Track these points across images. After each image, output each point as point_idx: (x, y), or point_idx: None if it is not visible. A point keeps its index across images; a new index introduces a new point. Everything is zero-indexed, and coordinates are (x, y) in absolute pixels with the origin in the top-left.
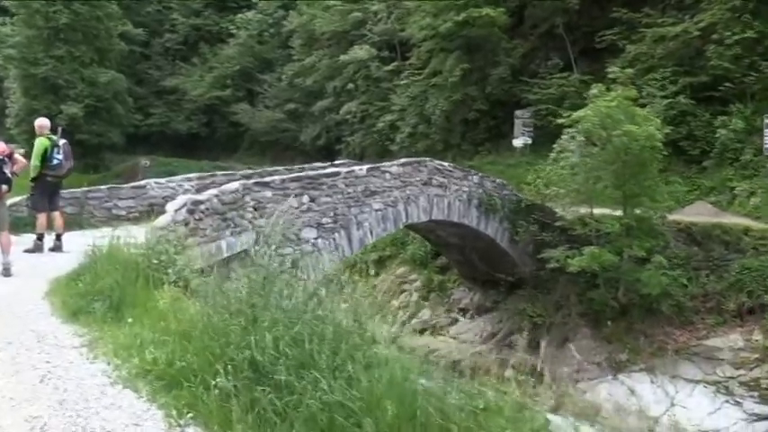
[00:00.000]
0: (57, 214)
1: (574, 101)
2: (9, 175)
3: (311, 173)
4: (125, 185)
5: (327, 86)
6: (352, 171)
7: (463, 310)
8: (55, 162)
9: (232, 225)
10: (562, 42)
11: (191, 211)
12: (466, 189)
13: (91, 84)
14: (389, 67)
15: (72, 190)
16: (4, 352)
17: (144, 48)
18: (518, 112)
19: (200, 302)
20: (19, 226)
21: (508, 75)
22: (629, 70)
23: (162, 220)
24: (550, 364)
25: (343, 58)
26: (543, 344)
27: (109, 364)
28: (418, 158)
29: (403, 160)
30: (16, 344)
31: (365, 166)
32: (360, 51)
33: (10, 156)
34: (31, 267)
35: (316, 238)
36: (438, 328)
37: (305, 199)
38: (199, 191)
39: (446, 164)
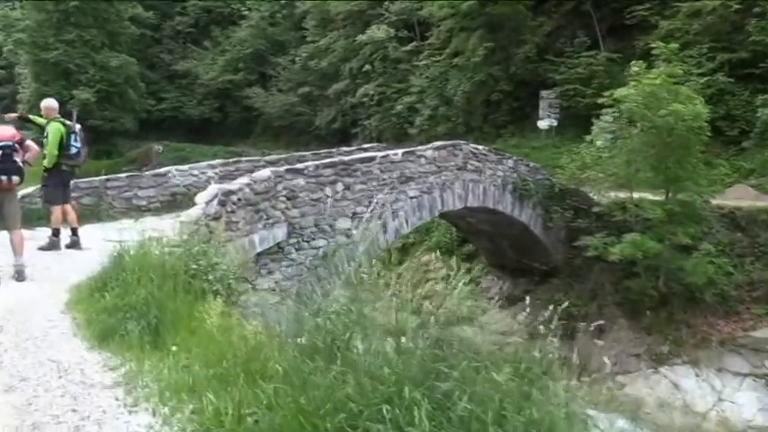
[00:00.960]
0: (69, 207)
1: (602, 80)
2: (20, 164)
3: (345, 158)
4: (145, 173)
5: (343, 68)
6: (387, 156)
7: (492, 300)
8: (73, 150)
9: (264, 217)
10: (589, 20)
11: (222, 203)
12: (500, 174)
13: (102, 68)
14: (408, 48)
15: (89, 179)
16: (18, 393)
17: (155, 31)
18: (543, 93)
19: (261, 324)
20: (32, 219)
21: (533, 54)
22: (674, 45)
23: (192, 213)
24: (587, 357)
25: (360, 38)
26: (578, 335)
27: (155, 414)
28: (453, 141)
29: (437, 143)
30: (33, 381)
31: (399, 151)
32: (377, 31)
33: (21, 142)
34: (46, 269)
35: (350, 229)
36: (468, 319)
37: (339, 187)
38: (222, 179)
39: (480, 147)
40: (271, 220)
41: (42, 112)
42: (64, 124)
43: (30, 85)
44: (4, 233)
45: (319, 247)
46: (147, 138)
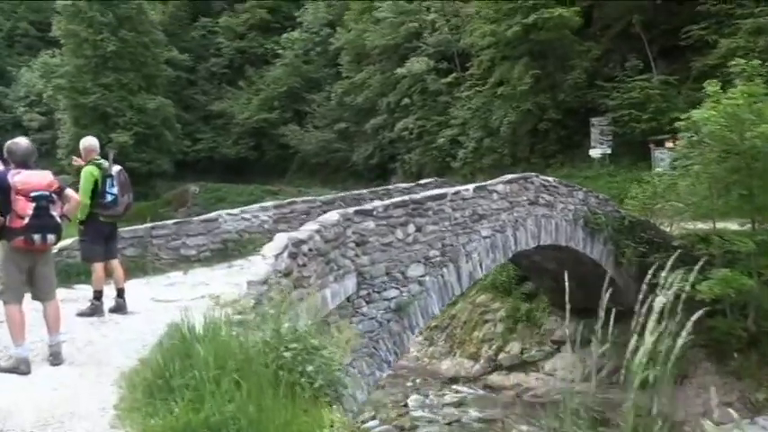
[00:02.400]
0: (116, 263)
1: (658, 104)
2: (58, 219)
3: (415, 196)
4: (194, 219)
5: (380, 103)
6: (459, 192)
7: (558, 343)
8: (108, 198)
9: (335, 268)
10: (638, 42)
11: (293, 255)
12: (571, 207)
13: (139, 111)
14: (447, 80)
15: (133, 227)
16: None
17: (190, 73)
18: (594, 120)
19: None
20: (70, 276)
21: (583, 80)
22: (755, 61)
23: (260, 270)
24: (670, 405)
25: (399, 71)
26: (658, 382)
27: None
28: (523, 174)
29: (508, 177)
30: None
31: (470, 186)
32: (417, 64)
33: (59, 192)
34: (88, 345)
35: (423, 276)
36: (530, 364)
37: (410, 228)
38: (276, 222)
39: (551, 179)
40: (341, 271)
41: (82, 154)
42: (99, 167)
43: (69, 130)
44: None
45: (391, 299)
46: (183, 179)
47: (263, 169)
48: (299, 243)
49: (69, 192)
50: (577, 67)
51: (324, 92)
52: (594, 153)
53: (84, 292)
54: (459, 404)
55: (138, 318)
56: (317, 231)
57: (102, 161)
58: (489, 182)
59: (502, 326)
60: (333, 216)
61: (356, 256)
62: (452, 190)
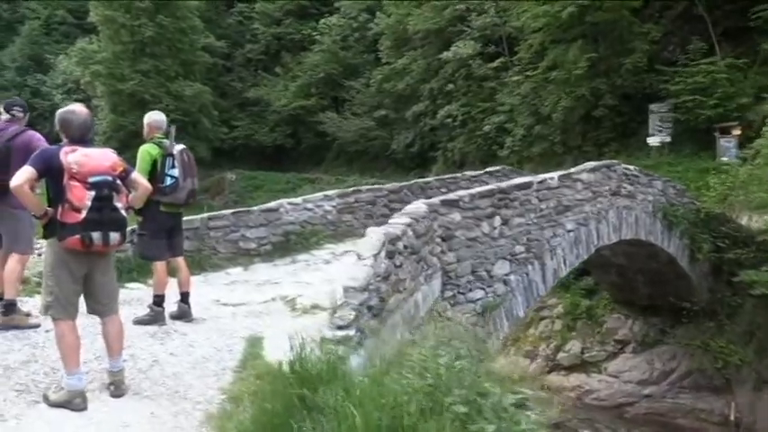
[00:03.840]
0: (181, 262)
1: (726, 89)
2: (123, 213)
3: (502, 185)
4: (254, 209)
5: (421, 89)
6: (544, 181)
7: (622, 342)
8: (168, 182)
9: (424, 266)
10: (701, 24)
11: (390, 255)
12: (651, 198)
13: (177, 98)
14: (494, 64)
15: (188, 218)
16: None
17: (226, 60)
18: (653, 106)
19: None
20: (121, 273)
21: (644, 63)
22: None
23: (359, 274)
24: (750, 413)
25: (445, 55)
26: (735, 387)
27: None
28: (606, 161)
29: (591, 164)
30: None
31: (555, 174)
32: (463, 48)
33: (125, 177)
34: (153, 366)
35: (508, 274)
36: (592, 364)
37: (496, 221)
38: (340, 212)
39: (632, 167)
40: (429, 270)
41: (144, 131)
42: (159, 145)
43: (106, 117)
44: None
45: (477, 300)
46: (219, 166)
47: (299, 157)
48: (395, 240)
49: (136, 176)
50: (636, 49)
51: (362, 78)
52: (653, 141)
53: (138, 293)
54: (519, 405)
55: (206, 327)
56: (409, 225)
57: (163, 140)
58: (573, 170)
59: (560, 323)
60: (421, 207)
61: (442, 252)
62: (538, 178)
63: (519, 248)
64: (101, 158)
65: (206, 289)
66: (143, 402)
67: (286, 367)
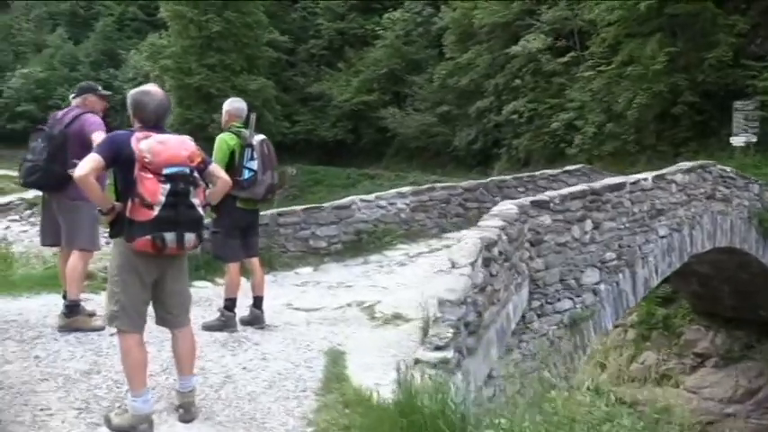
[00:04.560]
0: (255, 263)
1: None
2: (200, 210)
3: (594, 185)
4: (325, 205)
5: (486, 85)
6: (638, 182)
7: (702, 356)
8: (246, 175)
9: (515, 274)
10: None
11: (486, 263)
12: (746, 203)
13: (241, 92)
14: (564, 59)
15: None
16: None
17: (289, 55)
18: (738, 104)
19: None
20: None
21: (728, 58)
22: None
23: (455, 285)
24: None
25: (514, 49)
26: None
27: None
28: (701, 162)
29: (687, 164)
30: None
31: (648, 175)
32: (532, 42)
33: (203, 169)
34: (225, 384)
35: (598, 283)
36: (669, 378)
37: (587, 225)
38: (414, 211)
39: (728, 169)
40: (519, 279)
41: (222, 119)
42: (238, 135)
43: (173, 111)
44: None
45: (564, 311)
46: (280, 161)
47: (359, 153)
48: (491, 245)
49: (215, 168)
50: (721, 43)
51: (425, 73)
52: (737, 141)
53: (205, 292)
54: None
55: (279, 336)
56: (503, 229)
57: (242, 129)
58: (666, 170)
59: (633, 332)
60: (511, 209)
61: (530, 258)
62: (631, 179)
63: (609, 255)
64: (178, 147)
65: (276, 290)
66: (216, 429)
67: (389, 402)
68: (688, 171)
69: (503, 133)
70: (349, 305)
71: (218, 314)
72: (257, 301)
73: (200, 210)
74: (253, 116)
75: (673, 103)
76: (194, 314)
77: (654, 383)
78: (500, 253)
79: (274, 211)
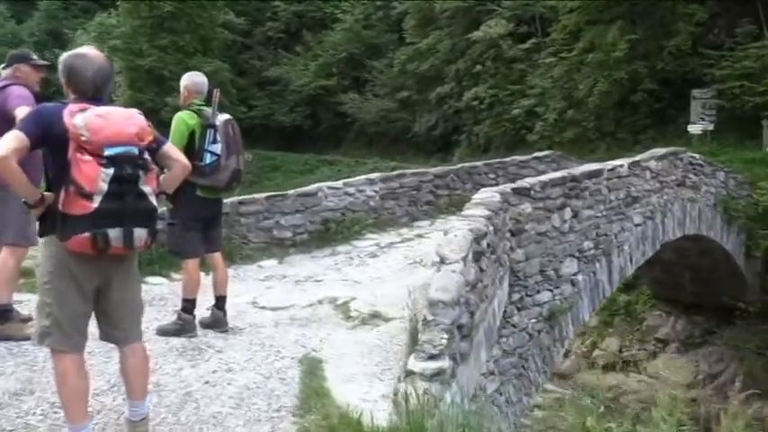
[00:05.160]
0: (218, 260)
1: None
2: (153, 200)
3: (574, 172)
4: (289, 193)
5: (447, 71)
6: (615, 169)
7: (663, 342)
8: (208, 160)
9: (498, 267)
10: (750, 5)
11: (477, 257)
12: (713, 190)
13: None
14: (526, 45)
15: None
16: None
17: (245, 37)
18: (696, 92)
19: None
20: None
21: (688, 46)
22: None
23: (447, 283)
24: None
25: (475, 34)
26: None
27: None
28: (672, 149)
29: (661, 151)
30: None
31: (624, 161)
32: (493, 27)
33: (155, 149)
34: (185, 404)
35: (576, 274)
36: (630, 364)
37: (567, 213)
38: (383, 199)
39: (697, 156)
40: (501, 271)
41: (181, 96)
42: (199, 113)
43: (124, 93)
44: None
45: (543, 303)
46: None
47: (318, 138)
48: (481, 238)
49: (171, 149)
50: (680, 32)
51: (385, 58)
52: (694, 129)
53: (159, 290)
54: (551, 406)
55: (245, 340)
56: (489, 219)
57: (204, 107)
58: (640, 157)
59: (596, 318)
60: (494, 197)
61: (511, 249)
62: (608, 165)
63: (587, 244)
64: (123, 122)
65: (238, 286)
66: None
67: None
68: (661, 158)
69: (463, 119)
70: (320, 302)
71: (174, 316)
72: (219, 302)
73: (153, 199)
74: (216, 93)
75: (632, 91)
76: (147, 316)
77: (616, 370)
78: (488, 245)
79: (235, 199)
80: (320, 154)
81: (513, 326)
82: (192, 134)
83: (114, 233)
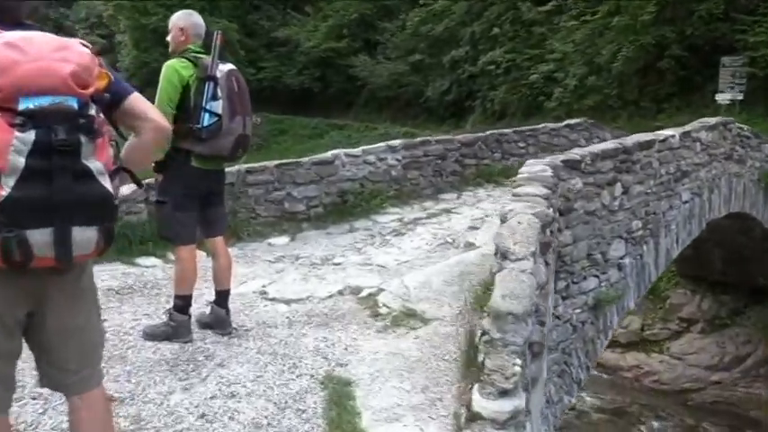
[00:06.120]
0: (218, 244)
1: None
2: (105, 182)
3: (626, 143)
4: (303, 161)
5: (462, 33)
6: (666, 140)
7: (688, 321)
8: (207, 121)
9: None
10: None
11: (544, 249)
12: (758, 164)
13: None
14: (546, 8)
15: None
16: None
17: None
18: (726, 60)
19: None
20: (131, 243)
21: (719, 11)
22: None
23: (513, 287)
24: None
25: None
26: None
27: None
28: (723, 118)
29: (711, 121)
30: None
31: (676, 131)
32: None
33: (106, 101)
34: None
35: (623, 257)
36: (653, 343)
37: (617, 190)
38: (406, 168)
39: (744, 127)
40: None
41: (172, 40)
42: (194, 62)
43: (129, 53)
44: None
45: (589, 291)
46: None
47: (327, 102)
48: (548, 224)
49: (136, 102)
50: None
51: (398, 20)
52: (722, 98)
53: (153, 273)
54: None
55: (253, 348)
56: (547, 199)
57: (201, 55)
58: (689, 127)
59: None
60: (545, 171)
61: (558, 230)
62: (660, 136)
63: (636, 224)
64: (51, 56)
65: (245, 269)
66: None
67: None
68: (711, 128)
69: (478, 84)
70: (341, 293)
71: (166, 315)
72: (221, 297)
73: (106, 182)
74: (218, 35)
75: (658, 57)
76: (135, 309)
77: (638, 349)
78: (551, 233)
79: (241, 167)
80: (329, 118)
81: (558, 317)
82: (185, 88)
83: (38, 237)
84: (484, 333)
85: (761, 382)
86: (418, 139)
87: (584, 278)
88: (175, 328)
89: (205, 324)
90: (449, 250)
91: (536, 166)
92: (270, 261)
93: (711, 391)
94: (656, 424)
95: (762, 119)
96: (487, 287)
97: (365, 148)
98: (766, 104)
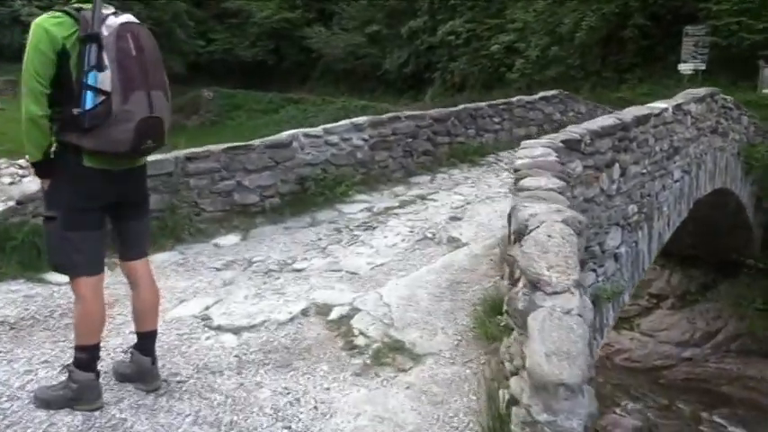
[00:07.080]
0: (140, 270)
1: None
2: None
3: (625, 118)
4: (255, 143)
5: (420, 3)
6: (661, 114)
7: (657, 297)
8: (90, 103)
9: None
10: None
11: (582, 265)
12: (737, 137)
13: (146, 5)
14: None
15: (154, 158)
16: None
17: None
18: (689, 29)
19: None
20: (40, 254)
21: None
22: None
23: (560, 342)
24: None
25: None
26: None
27: None
28: (709, 89)
29: (701, 92)
30: None
31: (668, 104)
32: None
33: None
34: None
35: (619, 246)
36: (622, 320)
37: (615, 172)
38: (373, 149)
39: (727, 98)
40: None
41: None
42: (75, 18)
43: None
44: None
45: (588, 287)
46: (195, 83)
47: (282, 75)
48: (583, 230)
49: None
50: None
51: None
52: (685, 68)
53: (64, 294)
54: None
55: (190, 414)
56: (562, 193)
57: (83, 5)
58: (680, 99)
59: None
60: (549, 155)
61: None
62: (655, 110)
63: (632, 208)
64: None
65: (184, 283)
66: None
67: None
68: (700, 100)
69: (437, 56)
70: (305, 314)
71: (67, 372)
72: (144, 341)
73: None
74: None
75: (620, 27)
76: (32, 353)
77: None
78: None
79: (180, 153)
80: (284, 92)
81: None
82: (61, 55)
83: None
84: (514, 402)
85: (731, 357)
86: (386, 115)
87: (583, 270)
88: (78, 390)
89: (124, 376)
90: (430, 248)
91: (536, 150)
92: (216, 269)
93: (683, 367)
94: (630, 405)
95: (724, 89)
96: (491, 305)
97: (326, 127)
98: (728, 74)
